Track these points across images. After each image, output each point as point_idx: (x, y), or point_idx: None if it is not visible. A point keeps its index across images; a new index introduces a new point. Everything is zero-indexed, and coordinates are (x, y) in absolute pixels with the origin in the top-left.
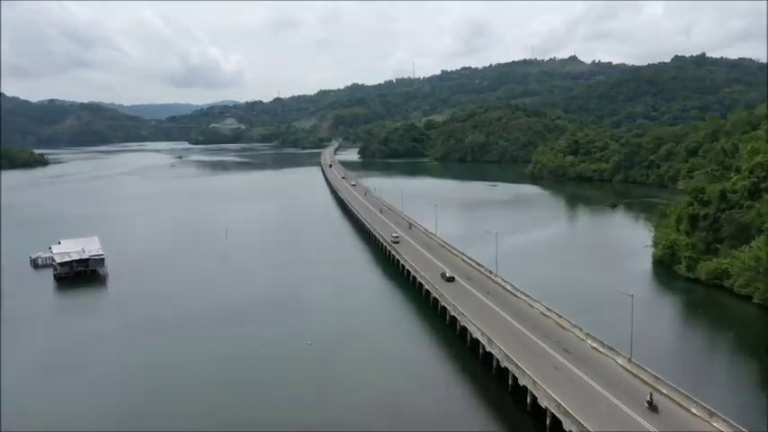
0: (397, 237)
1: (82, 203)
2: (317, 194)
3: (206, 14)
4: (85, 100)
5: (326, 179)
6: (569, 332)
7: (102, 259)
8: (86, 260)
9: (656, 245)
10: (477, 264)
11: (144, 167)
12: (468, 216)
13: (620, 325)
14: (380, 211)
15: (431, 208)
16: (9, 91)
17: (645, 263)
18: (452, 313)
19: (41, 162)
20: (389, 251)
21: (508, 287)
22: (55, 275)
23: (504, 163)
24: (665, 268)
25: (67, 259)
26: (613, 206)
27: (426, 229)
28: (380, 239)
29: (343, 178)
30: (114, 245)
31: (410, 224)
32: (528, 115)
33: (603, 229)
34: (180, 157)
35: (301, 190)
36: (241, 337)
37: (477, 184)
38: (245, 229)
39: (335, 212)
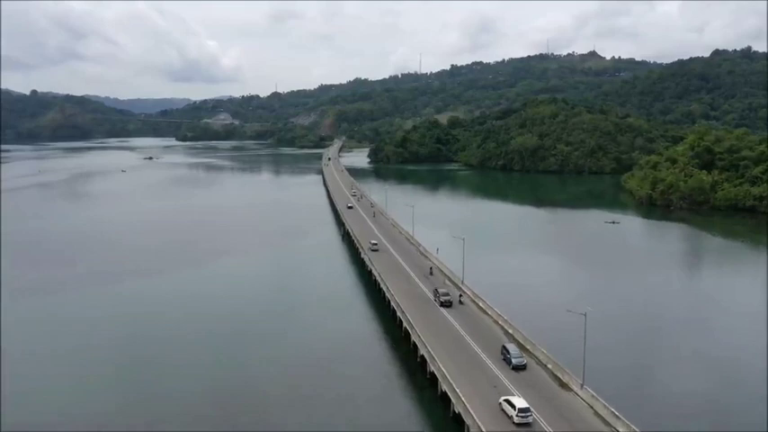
0: None
1: None
2: (319, 233)
3: (202, 6)
4: (80, 93)
5: (341, 221)
6: None
7: None
8: None
9: None
10: None
11: (89, 173)
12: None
13: None
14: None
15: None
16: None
17: None
18: None
19: None
20: None
21: None
22: None
23: (566, 174)
24: None
25: None
26: None
27: None
28: None
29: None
30: None
31: None
32: (590, 112)
33: None
34: (150, 158)
35: (298, 224)
36: None
37: (578, 217)
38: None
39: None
